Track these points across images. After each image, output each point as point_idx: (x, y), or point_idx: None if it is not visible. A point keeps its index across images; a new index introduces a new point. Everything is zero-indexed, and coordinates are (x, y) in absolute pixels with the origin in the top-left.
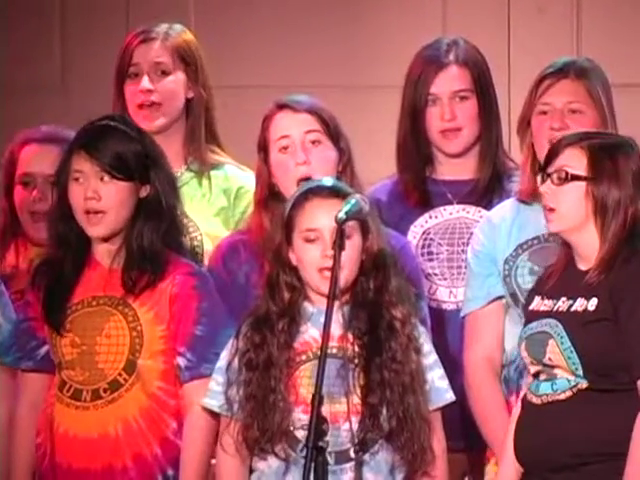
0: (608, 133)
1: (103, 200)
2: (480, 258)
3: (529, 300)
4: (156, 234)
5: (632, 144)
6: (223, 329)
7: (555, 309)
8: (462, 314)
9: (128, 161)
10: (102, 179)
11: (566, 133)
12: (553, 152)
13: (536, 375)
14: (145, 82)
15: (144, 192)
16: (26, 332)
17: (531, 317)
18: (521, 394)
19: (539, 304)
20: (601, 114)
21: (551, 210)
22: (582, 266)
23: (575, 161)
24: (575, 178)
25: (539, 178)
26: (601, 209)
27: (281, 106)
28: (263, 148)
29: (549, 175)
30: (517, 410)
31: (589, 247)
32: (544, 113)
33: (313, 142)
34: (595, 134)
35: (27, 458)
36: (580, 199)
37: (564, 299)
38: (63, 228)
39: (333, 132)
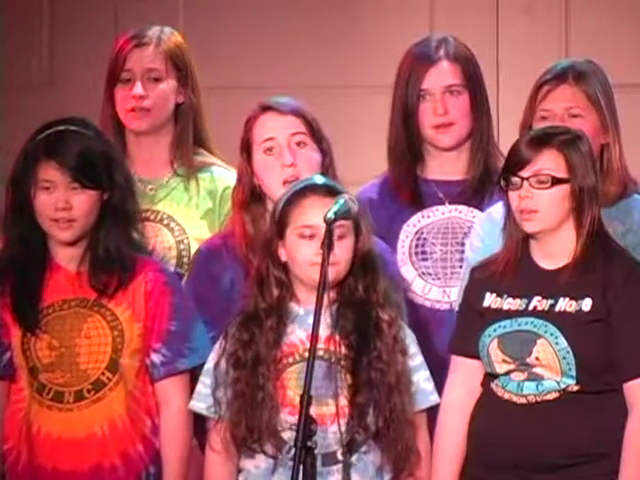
0: (559, 126)
1: (74, 209)
2: (478, 253)
3: (474, 295)
4: (122, 236)
5: (583, 134)
6: (195, 323)
7: (531, 308)
8: (457, 308)
9: (97, 169)
10: (73, 189)
11: (527, 135)
12: (523, 155)
13: (506, 374)
14: (138, 88)
15: (106, 195)
16: None
17: (495, 315)
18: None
19: (499, 302)
20: (601, 117)
21: (532, 211)
22: (545, 265)
23: (554, 163)
24: (560, 181)
25: (506, 182)
26: (580, 206)
27: (265, 108)
28: (246, 149)
29: (525, 179)
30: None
31: (562, 245)
32: (545, 119)
33: (298, 144)
34: (553, 130)
35: None
36: (564, 200)
37: (539, 298)
38: (23, 230)
39: (317, 134)
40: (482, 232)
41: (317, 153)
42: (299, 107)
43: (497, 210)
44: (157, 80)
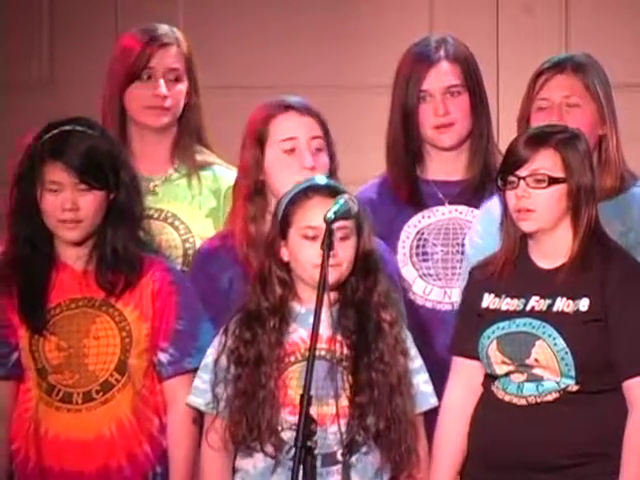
0: (557, 125)
1: (81, 210)
2: (478, 250)
3: (473, 296)
4: (129, 235)
5: (580, 132)
6: (201, 322)
7: (529, 309)
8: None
9: (103, 169)
10: (79, 189)
11: (524, 133)
12: (521, 154)
13: (506, 375)
14: (163, 88)
15: (112, 194)
16: None
17: (493, 316)
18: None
19: (497, 302)
20: (599, 108)
21: (528, 211)
22: (543, 264)
23: (551, 163)
24: (557, 181)
25: (503, 181)
26: (576, 205)
27: (286, 107)
28: (259, 143)
29: (522, 178)
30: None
31: (559, 244)
32: (542, 109)
33: (317, 148)
34: (551, 129)
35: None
36: (560, 199)
37: (536, 299)
38: (29, 229)
39: (329, 138)
40: (480, 228)
41: (327, 157)
42: (315, 109)
43: (496, 206)
44: (176, 80)
